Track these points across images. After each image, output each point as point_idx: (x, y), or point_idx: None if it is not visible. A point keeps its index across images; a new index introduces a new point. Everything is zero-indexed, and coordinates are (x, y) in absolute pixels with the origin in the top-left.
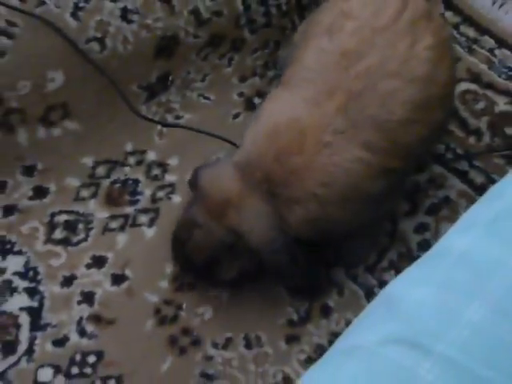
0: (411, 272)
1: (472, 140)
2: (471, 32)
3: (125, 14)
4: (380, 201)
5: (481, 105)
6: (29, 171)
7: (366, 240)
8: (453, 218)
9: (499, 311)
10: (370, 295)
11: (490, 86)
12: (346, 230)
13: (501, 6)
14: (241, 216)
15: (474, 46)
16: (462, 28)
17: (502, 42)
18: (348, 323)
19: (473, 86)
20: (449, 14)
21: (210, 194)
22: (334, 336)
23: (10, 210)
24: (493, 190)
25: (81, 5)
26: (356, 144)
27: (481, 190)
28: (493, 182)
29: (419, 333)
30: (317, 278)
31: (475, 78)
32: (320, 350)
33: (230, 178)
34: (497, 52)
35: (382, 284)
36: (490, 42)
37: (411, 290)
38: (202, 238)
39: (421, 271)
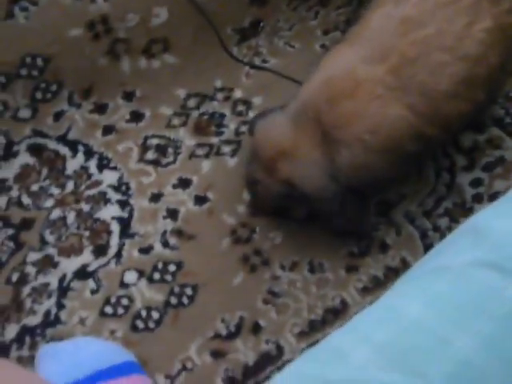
0: (494, 208)
1: None
2: None
3: None
4: (414, 159)
5: None
6: (128, 97)
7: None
8: (506, 176)
9: None
10: (424, 237)
11: None
12: (385, 180)
13: None
14: (292, 167)
15: None
16: None
17: None
18: (403, 260)
19: None
20: None
21: (264, 149)
22: (389, 270)
23: (108, 129)
24: None
25: None
26: (403, 103)
27: None
28: None
29: (508, 259)
30: (363, 225)
31: None
32: (376, 281)
33: (283, 130)
34: None
35: (436, 228)
36: None
37: (497, 221)
38: (264, 194)
39: (504, 207)
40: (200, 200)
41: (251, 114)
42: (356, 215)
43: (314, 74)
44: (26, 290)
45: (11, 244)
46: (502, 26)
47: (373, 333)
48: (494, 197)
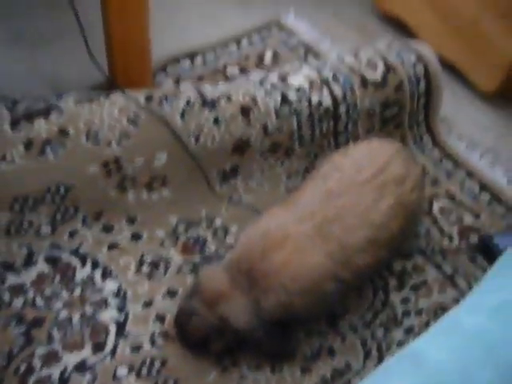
0: (430, 337)
1: (446, 241)
2: (450, 165)
3: (216, 121)
4: (332, 299)
5: (453, 217)
6: (131, 221)
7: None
8: (428, 296)
9: (508, 378)
10: (364, 344)
11: (460, 204)
12: (307, 315)
13: (472, 149)
14: (226, 307)
15: (452, 175)
16: (444, 161)
17: (471, 175)
18: (347, 364)
19: (448, 203)
20: (435, 151)
21: (207, 288)
22: (336, 372)
23: (112, 246)
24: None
25: (187, 110)
26: (322, 251)
27: (450, 278)
28: (459, 273)
29: None
30: (285, 348)
31: (451, 197)
32: (324, 381)
33: (221, 276)
34: (467, 182)
35: (374, 337)
36: (462, 173)
37: (433, 352)
38: (199, 323)
39: (439, 338)
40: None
41: (228, 239)
42: (280, 342)
43: (249, 229)
44: (31, 380)
45: (23, 339)
46: (402, 202)
47: None
48: (419, 312)
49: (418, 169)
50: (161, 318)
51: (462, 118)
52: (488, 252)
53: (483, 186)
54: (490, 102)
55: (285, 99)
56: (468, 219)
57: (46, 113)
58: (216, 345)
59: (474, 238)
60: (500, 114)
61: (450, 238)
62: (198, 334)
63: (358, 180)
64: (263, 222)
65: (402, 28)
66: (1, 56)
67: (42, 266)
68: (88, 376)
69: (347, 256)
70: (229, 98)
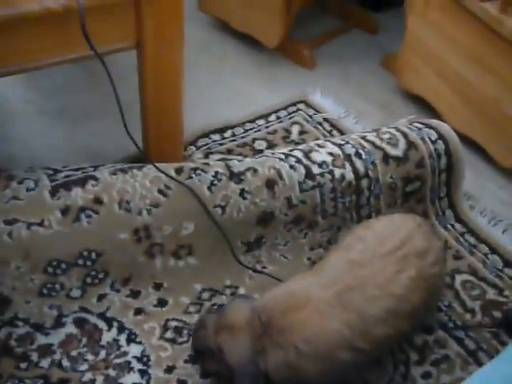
0: None
1: (468, 316)
2: (472, 240)
3: (242, 193)
4: (346, 369)
5: (476, 291)
6: (157, 287)
7: None
8: (450, 372)
9: None
10: None
11: (483, 279)
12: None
13: (494, 224)
14: (230, 340)
15: (474, 250)
16: (467, 236)
17: (494, 250)
18: None
19: (471, 278)
20: (458, 226)
21: (224, 315)
22: None
23: (139, 311)
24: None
25: (215, 182)
26: (340, 320)
27: (473, 354)
28: (482, 349)
29: None
30: None
31: (473, 272)
32: None
33: (244, 314)
34: (490, 256)
35: None
36: (485, 248)
37: None
38: (201, 338)
39: None
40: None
41: None
42: None
43: (278, 286)
44: None
45: None
46: (424, 275)
47: None
48: None
49: (440, 243)
50: (182, 383)
51: (484, 194)
52: (511, 327)
53: (506, 262)
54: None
55: (309, 173)
56: (491, 294)
57: (83, 182)
58: (208, 364)
59: (497, 314)
60: None
61: (473, 313)
62: (197, 345)
63: (381, 252)
64: (289, 283)
65: (424, 106)
66: (45, 127)
67: (70, 328)
68: None
69: (366, 326)
70: (255, 171)
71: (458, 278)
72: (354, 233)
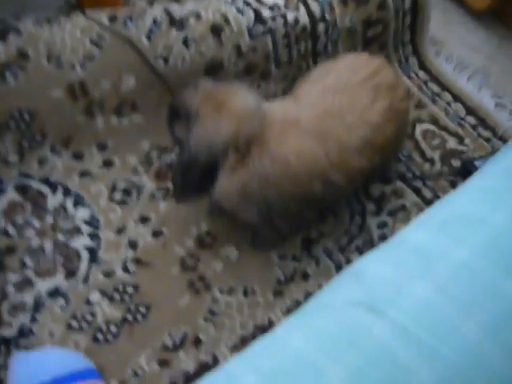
0: (374, 254)
1: (427, 166)
2: (436, 88)
3: (186, 41)
4: (310, 204)
5: (436, 141)
6: (101, 147)
7: (278, 231)
8: (406, 221)
9: (443, 291)
10: (339, 268)
11: (444, 128)
12: (282, 209)
13: (460, 71)
14: (212, 115)
15: (437, 98)
16: (430, 84)
17: (457, 98)
18: (321, 287)
19: (432, 127)
20: (421, 73)
21: (223, 91)
22: (309, 295)
23: (84, 174)
24: (440, 200)
25: (154, 29)
26: (321, 145)
27: (429, 203)
28: (438, 197)
29: (378, 300)
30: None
31: (435, 121)
32: (298, 304)
33: (242, 104)
34: (452, 105)
35: (349, 261)
36: (448, 96)
37: (373, 266)
38: (186, 96)
39: (381, 253)
40: (156, 234)
41: None
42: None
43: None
44: (5, 306)
45: None
46: (395, 107)
47: (260, 360)
48: None
49: (405, 84)
50: (133, 245)
51: (451, 39)
52: (469, 176)
53: (469, 109)
54: (482, 22)
55: (258, 17)
56: (451, 144)
57: (3, 35)
58: (177, 128)
59: (456, 163)
60: (491, 33)
61: (432, 163)
62: (177, 103)
63: (354, 79)
64: (273, 105)
65: None
66: None
67: (12, 195)
68: (61, 301)
69: (345, 158)
70: (198, 16)
71: (419, 128)
72: (322, 66)
